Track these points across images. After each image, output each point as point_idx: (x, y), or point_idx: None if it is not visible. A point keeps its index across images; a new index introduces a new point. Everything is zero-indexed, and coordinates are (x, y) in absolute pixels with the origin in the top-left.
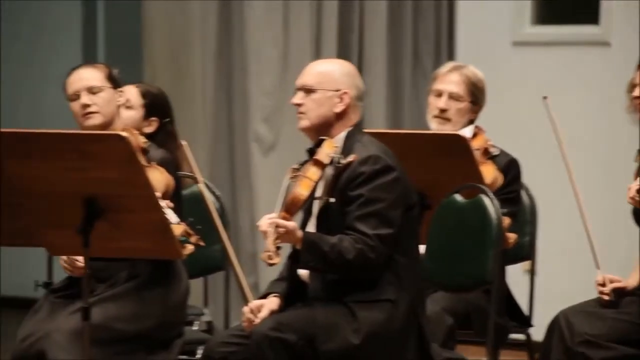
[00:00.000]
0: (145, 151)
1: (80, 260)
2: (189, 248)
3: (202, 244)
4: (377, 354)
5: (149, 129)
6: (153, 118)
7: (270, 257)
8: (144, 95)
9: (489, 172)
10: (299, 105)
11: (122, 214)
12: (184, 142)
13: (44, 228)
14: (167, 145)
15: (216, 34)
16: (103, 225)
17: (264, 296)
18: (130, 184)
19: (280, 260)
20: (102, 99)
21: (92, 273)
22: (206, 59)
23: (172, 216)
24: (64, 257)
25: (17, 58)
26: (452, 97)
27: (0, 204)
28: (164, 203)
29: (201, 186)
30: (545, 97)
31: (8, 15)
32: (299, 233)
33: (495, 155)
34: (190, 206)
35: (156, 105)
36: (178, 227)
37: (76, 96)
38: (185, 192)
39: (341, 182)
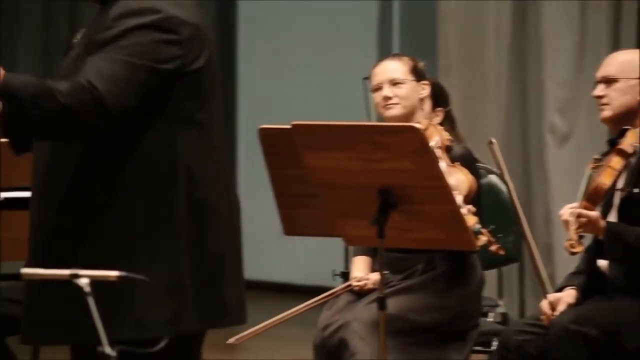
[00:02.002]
0: (449, 149)
1: (370, 281)
2: (482, 239)
3: (502, 252)
4: None
5: (437, 120)
6: (439, 108)
7: (572, 246)
8: (431, 86)
9: None
10: (600, 97)
11: (416, 204)
12: (493, 140)
13: (340, 218)
14: (453, 133)
15: (510, 25)
16: (397, 216)
17: (560, 289)
18: (423, 175)
19: (582, 249)
20: (404, 92)
21: (390, 264)
22: (500, 50)
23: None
24: (355, 276)
25: (318, 54)
26: None
27: (300, 195)
28: (465, 209)
29: (507, 179)
30: None
31: (306, 15)
32: (602, 223)
33: None
34: (482, 196)
35: (440, 95)
36: (471, 218)
37: (379, 87)
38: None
39: None
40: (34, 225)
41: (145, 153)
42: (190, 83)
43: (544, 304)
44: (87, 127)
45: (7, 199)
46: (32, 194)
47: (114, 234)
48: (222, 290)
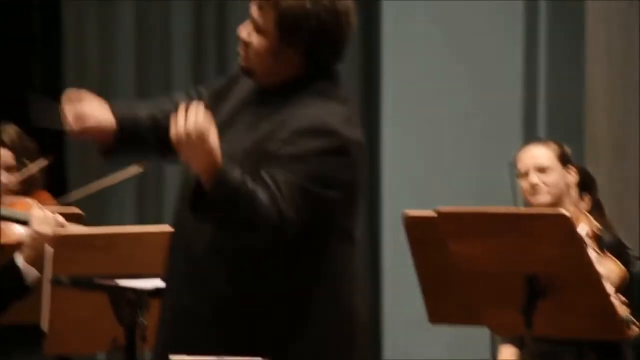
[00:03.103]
0: (598, 237)
1: None
2: (635, 330)
3: None
4: None
5: (584, 207)
6: (586, 194)
7: None
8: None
9: None
10: None
11: (565, 293)
12: None
13: (486, 306)
14: (602, 220)
15: None
16: (545, 304)
17: None
18: (572, 263)
19: None
20: (552, 179)
21: (537, 355)
22: None
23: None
24: None
25: (462, 59)
26: None
27: (445, 282)
28: (616, 299)
29: None
30: None
31: (447, 19)
32: None
33: None
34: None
35: (587, 181)
36: (623, 308)
37: (526, 174)
38: None
39: None
40: (188, 315)
41: (310, 265)
42: (348, 198)
43: None
44: (261, 233)
45: (156, 288)
46: (181, 287)
47: (273, 337)
48: None
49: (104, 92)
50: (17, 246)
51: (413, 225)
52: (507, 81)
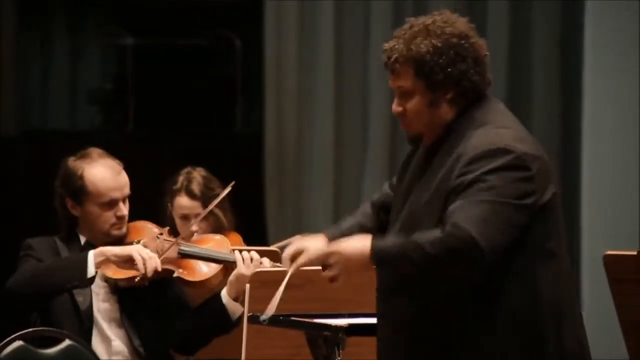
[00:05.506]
0: None
1: None
2: None
3: None
4: None
5: None
6: None
7: None
8: None
9: None
10: None
11: None
12: None
13: None
14: None
15: None
16: None
17: None
18: None
19: None
20: None
21: None
22: None
23: None
24: None
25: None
26: None
27: None
28: None
29: None
30: None
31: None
32: None
33: None
34: None
35: None
36: None
37: None
38: None
39: None
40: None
41: (508, 290)
42: (542, 215)
43: None
44: (463, 271)
45: (351, 325)
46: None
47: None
48: None
49: (302, 140)
50: (217, 283)
51: (613, 265)
52: None
